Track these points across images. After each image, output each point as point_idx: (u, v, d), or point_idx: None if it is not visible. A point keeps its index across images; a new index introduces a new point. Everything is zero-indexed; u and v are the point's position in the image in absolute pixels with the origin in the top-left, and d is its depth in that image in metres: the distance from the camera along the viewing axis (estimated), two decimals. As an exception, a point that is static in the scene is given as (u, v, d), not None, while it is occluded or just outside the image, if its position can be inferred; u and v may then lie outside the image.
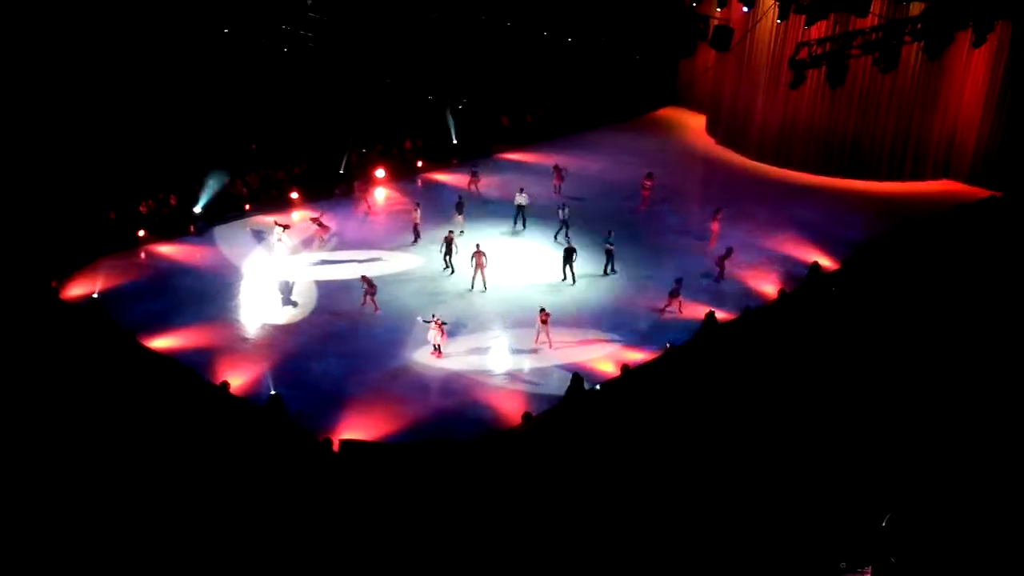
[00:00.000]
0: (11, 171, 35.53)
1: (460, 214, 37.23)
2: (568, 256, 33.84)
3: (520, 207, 38.07)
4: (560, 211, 36.92)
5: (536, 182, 41.12)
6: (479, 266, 32.98)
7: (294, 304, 32.10)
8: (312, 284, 33.46)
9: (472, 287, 33.12)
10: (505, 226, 38.15)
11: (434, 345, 29.39)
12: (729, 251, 34.76)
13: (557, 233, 36.73)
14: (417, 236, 36.39)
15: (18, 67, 38.68)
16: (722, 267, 34.36)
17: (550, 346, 29.76)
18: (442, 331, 29.17)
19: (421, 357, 29.33)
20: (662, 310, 31.92)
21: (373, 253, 35.66)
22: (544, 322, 29.67)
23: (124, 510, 21.79)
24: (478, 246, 33.27)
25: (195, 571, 20.48)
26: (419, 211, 36.63)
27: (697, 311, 31.57)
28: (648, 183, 40.40)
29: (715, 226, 37.33)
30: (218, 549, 20.96)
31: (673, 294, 31.83)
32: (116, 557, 20.57)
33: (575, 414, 26.16)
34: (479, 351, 29.92)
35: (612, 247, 34.59)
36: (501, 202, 39.99)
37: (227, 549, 20.97)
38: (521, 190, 38.39)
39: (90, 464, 23.17)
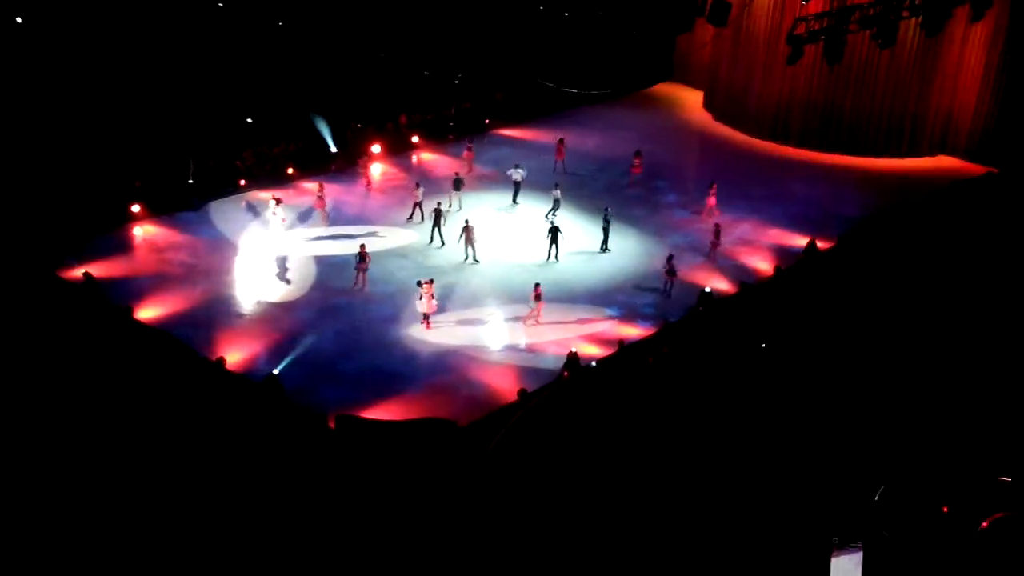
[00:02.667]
0: (3, 149, 35.40)
1: (457, 191, 37.12)
2: (553, 236, 33.74)
3: (516, 183, 38.06)
4: (554, 190, 36.85)
5: (531, 158, 40.99)
6: (468, 240, 33.13)
7: (290, 280, 32.04)
8: (308, 260, 33.38)
9: (465, 259, 33.20)
10: (500, 202, 38.11)
11: (423, 315, 29.47)
12: (717, 228, 34.68)
13: (549, 212, 36.49)
14: (418, 214, 36.11)
15: (8, 44, 38.50)
16: (715, 244, 34.33)
17: (536, 322, 29.85)
18: (432, 298, 29.25)
19: (416, 332, 29.36)
20: (668, 293, 31.77)
21: (370, 228, 35.55)
22: (536, 297, 29.70)
23: (120, 486, 21.83)
24: (467, 221, 33.47)
25: (193, 546, 20.53)
26: (421, 189, 36.52)
27: (693, 287, 31.62)
28: (637, 160, 40.26)
29: (711, 200, 37.31)
30: (214, 524, 21.01)
31: (669, 272, 31.76)
32: (112, 531, 20.61)
33: (571, 391, 26.19)
34: (472, 326, 29.95)
35: (609, 223, 34.56)
36: (495, 178, 39.87)
37: (223, 525, 21.02)
38: (517, 166, 38.39)
39: (87, 442, 23.17)
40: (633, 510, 22.01)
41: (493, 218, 36.53)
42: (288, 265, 32.82)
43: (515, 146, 43.77)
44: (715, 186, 37.50)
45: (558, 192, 36.70)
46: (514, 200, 38.09)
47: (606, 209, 35.05)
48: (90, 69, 39.72)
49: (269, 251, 33.64)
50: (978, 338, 29.28)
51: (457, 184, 37.23)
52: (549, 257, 33.79)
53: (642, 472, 23.17)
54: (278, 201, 35.23)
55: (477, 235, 33.33)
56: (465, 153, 40.84)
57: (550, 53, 49.12)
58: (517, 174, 38.05)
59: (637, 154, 40.57)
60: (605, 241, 34.65)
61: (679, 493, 22.55)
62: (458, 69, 46.01)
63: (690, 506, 22.19)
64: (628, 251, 34.72)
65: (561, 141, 41.68)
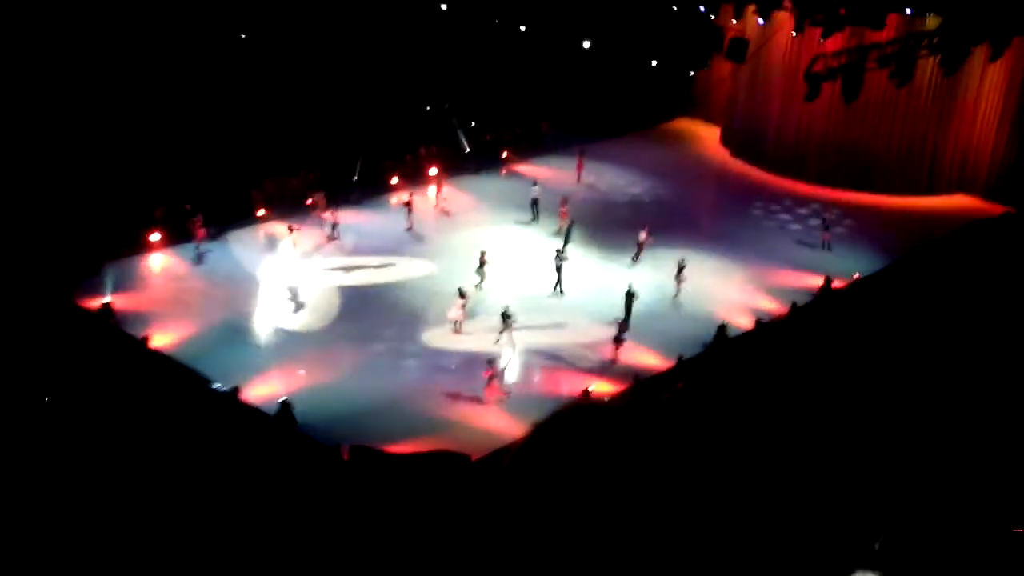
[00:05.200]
0: (24, 176, 35.65)
1: (410, 213, 37.89)
2: (629, 301, 31.42)
3: (535, 200, 38.75)
4: (641, 233, 36.10)
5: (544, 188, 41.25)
6: (481, 268, 32.72)
7: (306, 310, 32.14)
8: (325, 289, 33.48)
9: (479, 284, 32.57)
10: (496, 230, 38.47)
11: (454, 323, 30.54)
12: (648, 232, 35.51)
13: (637, 255, 35.94)
14: (333, 234, 36.78)
15: (32, 72, 38.87)
16: (640, 250, 35.34)
17: (493, 402, 27.69)
18: (462, 309, 30.41)
19: (432, 359, 29.38)
20: (614, 360, 29.98)
21: (385, 259, 35.77)
22: (489, 377, 27.55)
23: (131, 515, 21.83)
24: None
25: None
26: (332, 209, 37.04)
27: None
28: (563, 208, 38.42)
29: (826, 236, 38.24)
30: (227, 554, 20.98)
31: (617, 339, 29.97)
32: (123, 560, 20.60)
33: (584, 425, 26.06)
34: (488, 358, 29.88)
35: (562, 264, 33.73)
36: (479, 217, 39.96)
37: (235, 554, 20.98)
38: (535, 183, 39.31)
39: (99, 469, 23.19)
40: (647, 543, 21.88)
41: (509, 236, 36.69)
42: (304, 295, 32.92)
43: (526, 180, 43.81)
44: (827, 222, 38.68)
45: (647, 236, 35.97)
46: (534, 217, 38.77)
47: (557, 251, 34.06)
48: (112, 97, 40.06)
49: (286, 281, 33.76)
50: (993, 379, 29.12)
51: (408, 207, 37.95)
52: (622, 335, 31.02)
53: (656, 506, 23.05)
54: (291, 229, 35.44)
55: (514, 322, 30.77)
56: (436, 188, 40.81)
57: (569, 88, 49.44)
58: (535, 191, 38.75)
59: (563, 202, 38.62)
60: (558, 283, 33.81)
61: (693, 526, 22.42)
62: (477, 103, 46.32)
63: (704, 540, 22.05)
64: (651, 287, 34.29)
65: (582, 153, 42.72)
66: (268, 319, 31.54)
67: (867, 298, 33.74)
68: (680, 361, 29.44)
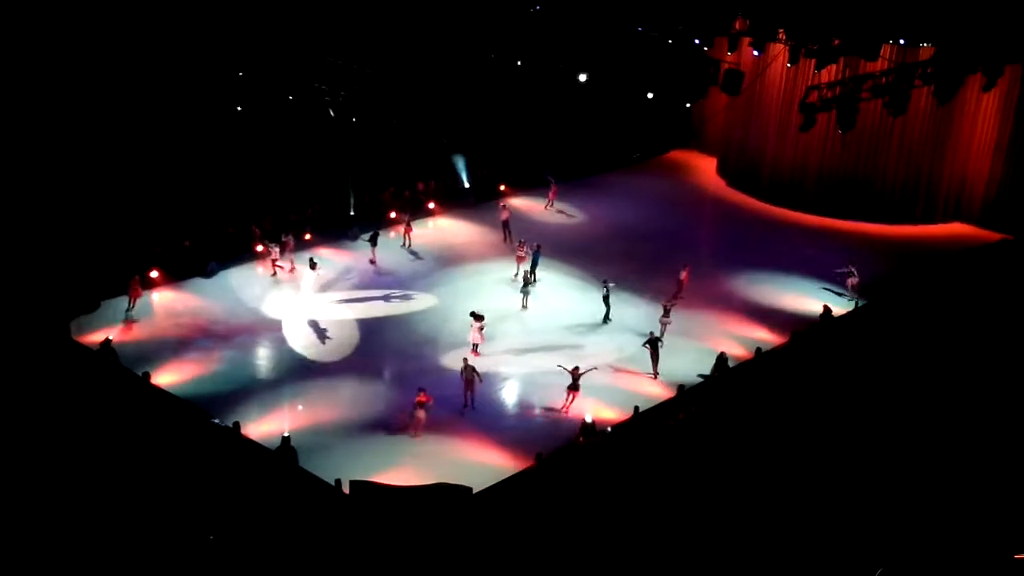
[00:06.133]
0: (26, 212, 35.83)
1: (373, 246, 38.30)
2: (656, 347, 30.94)
3: (504, 221, 40.26)
4: (681, 272, 36.01)
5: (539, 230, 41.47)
6: (468, 382, 28.88)
7: (306, 344, 32.16)
8: (327, 324, 33.49)
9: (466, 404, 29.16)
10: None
11: (473, 344, 31.11)
12: (688, 271, 35.44)
13: (677, 294, 35.39)
14: (275, 271, 36.72)
15: (34, 107, 39.11)
16: (680, 289, 35.25)
17: (417, 435, 27.40)
18: (480, 331, 31.09)
19: (433, 383, 29.28)
20: (565, 409, 28.90)
21: (387, 292, 35.91)
22: (418, 405, 27.32)
23: (134, 549, 21.78)
24: (465, 360, 29.29)
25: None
26: (276, 247, 36.95)
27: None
28: (520, 251, 37.45)
29: (852, 281, 36.77)
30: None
31: (572, 386, 28.82)
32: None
33: (588, 455, 26.09)
34: (491, 391, 29.94)
35: (609, 294, 34.16)
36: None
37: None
38: (504, 206, 40.88)
39: (103, 504, 23.17)
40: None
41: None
42: (307, 330, 32.96)
43: (522, 212, 44.04)
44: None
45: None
46: (509, 238, 39.76)
47: (604, 281, 34.69)
48: (113, 132, 40.29)
49: (287, 316, 33.81)
50: (992, 405, 29.18)
51: (373, 239, 38.39)
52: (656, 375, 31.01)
53: (659, 537, 23.04)
54: (313, 266, 35.45)
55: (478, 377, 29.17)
56: (405, 228, 40.13)
57: (566, 120, 49.69)
58: (504, 213, 40.40)
59: (520, 244, 37.40)
60: (607, 313, 34.23)
61: (695, 558, 22.40)
62: (475, 137, 46.52)
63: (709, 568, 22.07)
64: (641, 318, 34.51)
65: (554, 180, 44.30)
66: (270, 354, 31.57)
67: (865, 326, 33.77)
68: (681, 390, 29.45)
